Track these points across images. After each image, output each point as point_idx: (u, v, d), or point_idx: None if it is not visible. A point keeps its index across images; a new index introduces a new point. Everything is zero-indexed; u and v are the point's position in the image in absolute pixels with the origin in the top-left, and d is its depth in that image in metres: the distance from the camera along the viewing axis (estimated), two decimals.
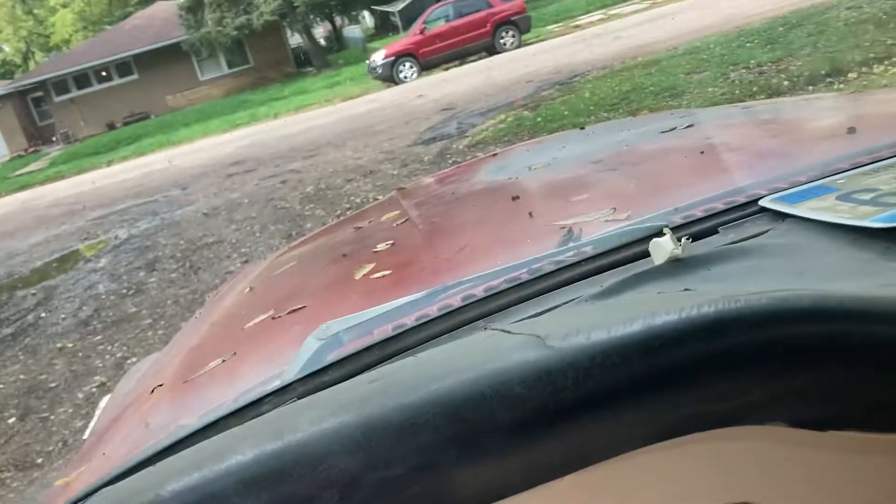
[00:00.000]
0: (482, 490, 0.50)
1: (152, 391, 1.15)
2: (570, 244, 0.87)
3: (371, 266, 1.17)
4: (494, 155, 1.99)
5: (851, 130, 1.12)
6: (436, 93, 13.59)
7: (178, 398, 1.05)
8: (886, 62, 6.37)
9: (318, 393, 0.61)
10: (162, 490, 0.50)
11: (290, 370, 0.76)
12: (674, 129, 1.46)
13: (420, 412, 0.49)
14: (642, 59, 10.45)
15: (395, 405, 0.50)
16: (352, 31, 30.80)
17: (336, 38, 31.35)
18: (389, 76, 17.41)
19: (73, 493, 0.68)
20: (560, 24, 19.22)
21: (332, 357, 0.75)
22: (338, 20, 31.96)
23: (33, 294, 7.41)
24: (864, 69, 6.41)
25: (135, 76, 25.75)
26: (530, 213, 1.14)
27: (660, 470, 0.54)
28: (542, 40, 17.67)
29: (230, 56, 25.53)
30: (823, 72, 6.70)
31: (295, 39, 27.92)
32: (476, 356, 0.54)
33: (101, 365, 4.97)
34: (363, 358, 0.73)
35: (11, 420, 4.46)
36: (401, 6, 28.68)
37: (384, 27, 31.14)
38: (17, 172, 21.20)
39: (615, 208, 1.01)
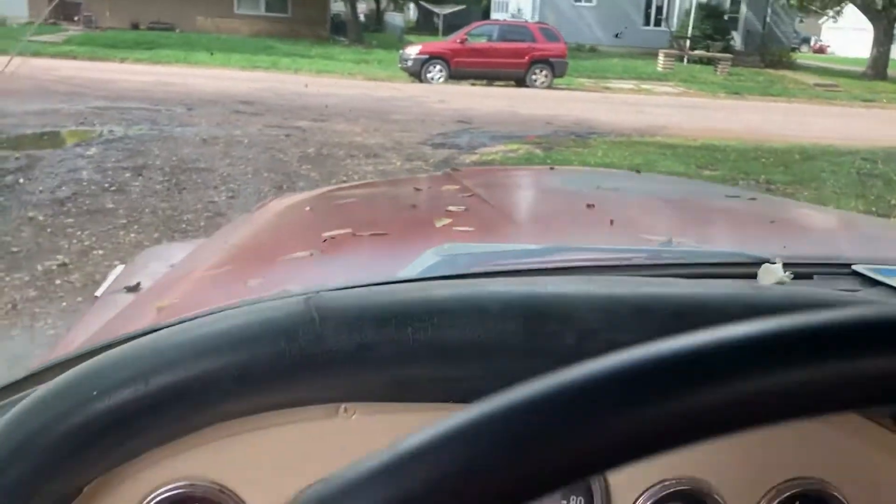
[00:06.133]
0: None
1: (159, 310, 1.00)
2: (671, 248, 0.95)
3: (448, 220, 1.23)
4: (551, 168, 2.09)
5: None
6: (457, 103, 13.69)
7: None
8: None
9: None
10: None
11: (408, 271, 0.82)
12: (738, 197, 1.56)
13: None
14: (661, 139, 10.68)
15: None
16: (393, 18, 30.88)
17: (377, 18, 31.39)
18: (418, 72, 17.50)
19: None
20: (593, 80, 19.48)
21: (450, 271, 0.81)
22: (383, 1, 32.01)
23: (16, 158, 7.31)
24: None
25: None
26: (611, 221, 1.22)
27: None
28: (571, 89, 17.93)
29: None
30: None
31: (337, 6, 27.86)
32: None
33: (66, 246, 4.92)
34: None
35: None
36: (447, 11, 28.87)
37: (425, 25, 31.29)
38: (31, 38, 20.71)
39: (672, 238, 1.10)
